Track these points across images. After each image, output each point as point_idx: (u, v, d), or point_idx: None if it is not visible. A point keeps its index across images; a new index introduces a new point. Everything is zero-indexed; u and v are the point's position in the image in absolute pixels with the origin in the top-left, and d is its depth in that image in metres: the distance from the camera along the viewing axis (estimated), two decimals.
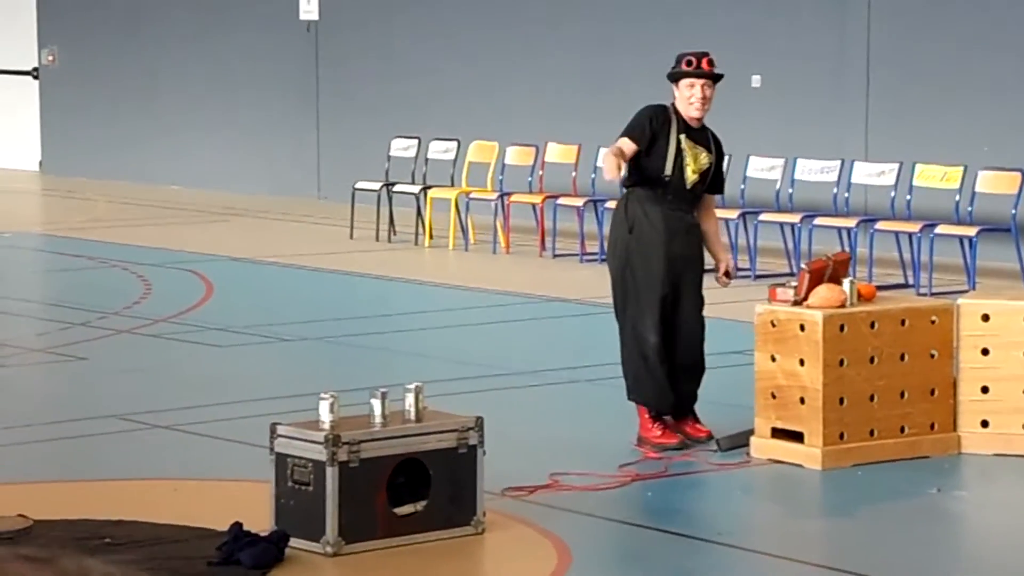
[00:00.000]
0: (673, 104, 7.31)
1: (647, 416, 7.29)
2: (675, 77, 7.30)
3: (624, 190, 7.39)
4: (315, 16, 16.94)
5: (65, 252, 13.65)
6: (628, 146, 7.17)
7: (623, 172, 7.13)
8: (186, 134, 18.00)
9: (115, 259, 13.05)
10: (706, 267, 7.48)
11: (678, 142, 7.23)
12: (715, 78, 7.28)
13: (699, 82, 7.22)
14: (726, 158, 7.96)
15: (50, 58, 19.42)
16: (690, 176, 7.25)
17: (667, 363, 7.24)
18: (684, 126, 7.26)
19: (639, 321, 7.25)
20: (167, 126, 18.18)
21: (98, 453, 7.34)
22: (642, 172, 7.24)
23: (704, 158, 7.28)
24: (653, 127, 7.21)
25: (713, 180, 7.37)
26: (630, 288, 7.26)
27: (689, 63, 7.23)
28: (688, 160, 7.24)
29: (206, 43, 17.84)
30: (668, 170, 7.22)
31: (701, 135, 7.31)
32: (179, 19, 18.10)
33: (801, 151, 12.46)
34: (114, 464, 7.13)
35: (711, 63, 7.27)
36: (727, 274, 7.41)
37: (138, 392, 8.47)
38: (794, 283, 7.18)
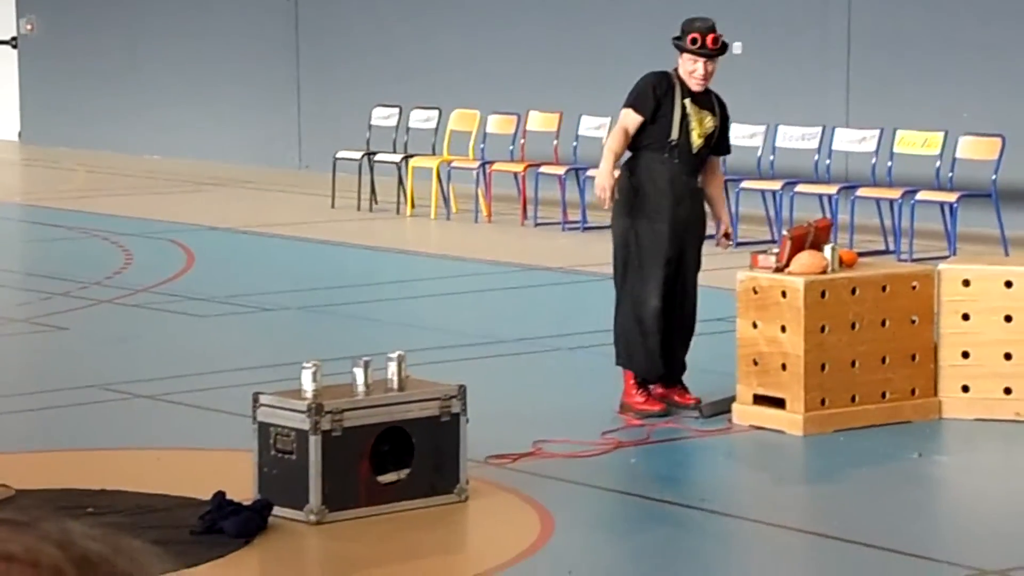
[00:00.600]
0: (675, 70, 7.33)
1: (632, 382, 7.31)
2: (680, 49, 7.30)
3: (629, 154, 7.39)
4: None
5: (45, 222, 13.60)
6: (632, 121, 7.21)
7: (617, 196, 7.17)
8: (166, 104, 17.93)
9: (96, 229, 13.02)
10: (707, 233, 7.50)
11: (683, 107, 7.26)
12: (721, 54, 7.29)
13: (702, 59, 7.23)
14: None
15: (29, 27, 19.31)
16: (696, 140, 7.28)
17: (664, 329, 7.25)
18: (688, 91, 7.28)
19: (640, 285, 7.27)
20: (147, 96, 18.10)
21: (80, 423, 7.33)
22: (648, 138, 7.26)
23: (709, 122, 7.31)
24: (656, 94, 7.24)
25: (718, 142, 7.40)
26: (633, 252, 7.29)
27: (694, 41, 7.22)
28: (693, 124, 7.27)
29: (186, 12, 17.75)
30: (674, 135, 7.24)
31: (706, 99, 7.33)
32: None
33: (782, 118, 12.46)
34: (96, 434, 7.13)
35: (716, 40, 7.24)
36: (727, 235, 7.44)
37: (120, 362, 8.45)
38: (776, 250, 7.19)
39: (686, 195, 7.26)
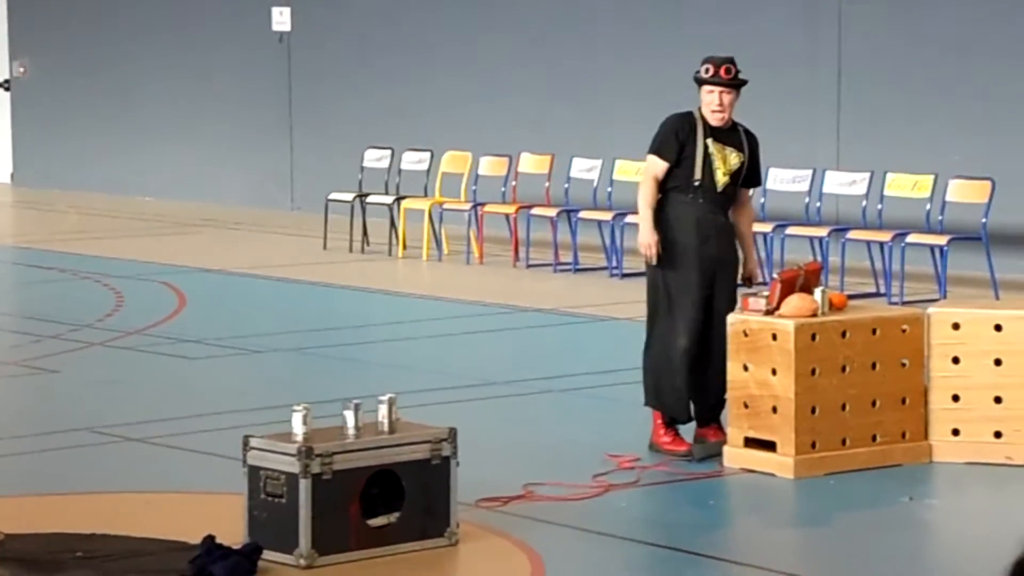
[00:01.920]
0: (699, 108, 7.39)
1: (660, 422, 7.35)
2: (698, 83, 7.38)
3: (658, 195, 7.45)
4: (287, 27, 16.93)
5: (37, 264, 13.61)
6: (659, 167, 7.31)
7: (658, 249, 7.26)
8: (158, 145, 17.96)
9: (87, 271, 13.02)
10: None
11: (705, 147, 7.32)
12: (736, 85, 7.35)
13: (717, 89, 7.31)
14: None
15: (22, 70, 19.36)
16: (720, 179, 7.33)
17: (695, 368, 7.27)
18: (711, 129, 7.35)
19: (670, 326, 7.31)
20: (139, 137, 18.14)
21: (70, 466, 7.32)
22: (673, 180, 7.34)
23: (734, 158, 7.37)
24: (679, 138, 7.33)
25: (747, 175, 7.44)
26: (662, 293, 7.35)
27: (707, 71, 7.32)
28: (717, 164, 7.33)
29: (178, 55, 17.81)
30: (698, 175, 7.30)
31: (730, 135, 7.40)
32: (151, 31, 18.07)
33: (773, 161, 12.50)
34: (86, 477, 7.11)
35: (729, 71, 7.33)
36: (750, 278, 7.47)
37: (110, 405, 8.44)
38: (766, 293, 7.20)
39: (712, 234, 7.32)
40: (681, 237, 7.31)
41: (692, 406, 7.37)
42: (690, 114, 7.41)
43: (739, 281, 7.50)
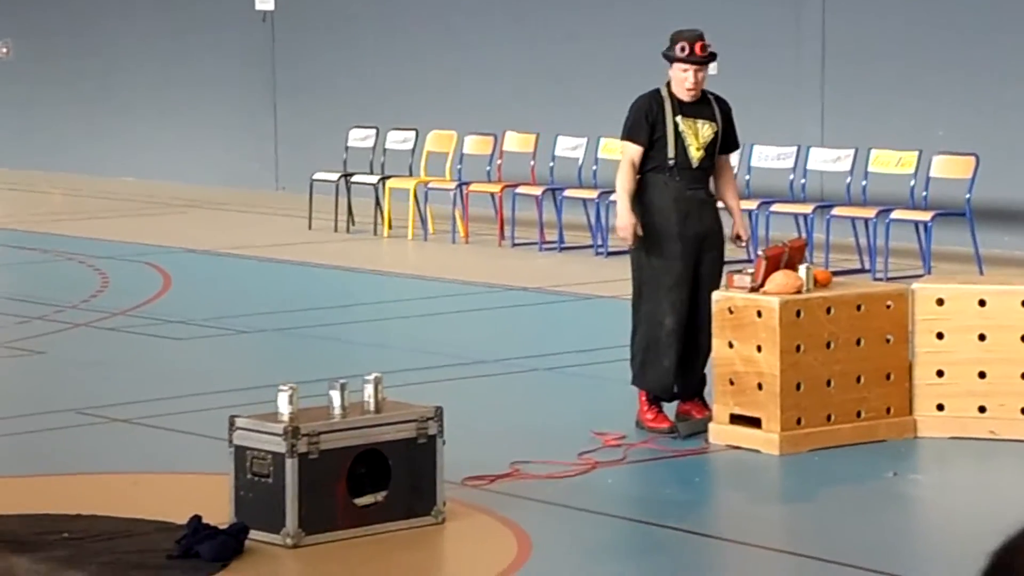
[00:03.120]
0: (668, 84, 7.38)
1: (644, 399, 7.38)
2: (669, 60, 7.35)
3: (636, 177, 7.44)
4: (270, 6, 16.88)
5: (21, 246, 13.57)
6: (634, 152, 7.30)
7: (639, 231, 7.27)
8: (142, 126, 17.91)
9: (72, 252, 12.99)
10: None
11: (675, 125, 7.31)
12: (710, 60, 7.36)
13: (692, 68, 7.30)
14: None
15: (4, 50, 19.28)
16: (694, 154, 7.34)
17: (681, 346, 7.29)
18: (680, 105, 7.34)
19: (654, 306, 7.33)
20: (122, 118, 18.09)
21: (56, 447, 7.31)
22: (649, 162, 7.35)
23: (707, 130, 7.36)
24: (649, 120, 7.32)
25: (724, 142, 7.44)
26: (646, 273, 7.36)
27: (683, 49, 7.31)
28: (689, 140, 7.33)
29: (161, 34, 17.75)
30: (671, 154, 7.31)
31: (700, 108, 7.39)
32: (134, 10, 18.00)
33: (757, 138, 12.51)
34: (72, 458, 7.11)
35: (704, 48, 7.34)
36: (738, 236, 7.47)
37: (96, 386, 8.44)
38: (751, 270, 7.21)
39: (693, 209, 7.32)
40: (661, 218, 7.31)
41: (678, 385, 7.39)
42: (657, 92, 7.39)
43: (730, 242, 7.50)
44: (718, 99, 7.46)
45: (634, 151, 7.34)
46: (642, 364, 7.38)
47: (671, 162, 7.31)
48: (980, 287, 7.49)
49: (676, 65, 7.33)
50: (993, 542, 1.68)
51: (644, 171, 7.38)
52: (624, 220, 7.28)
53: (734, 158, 12.52)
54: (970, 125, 12.37)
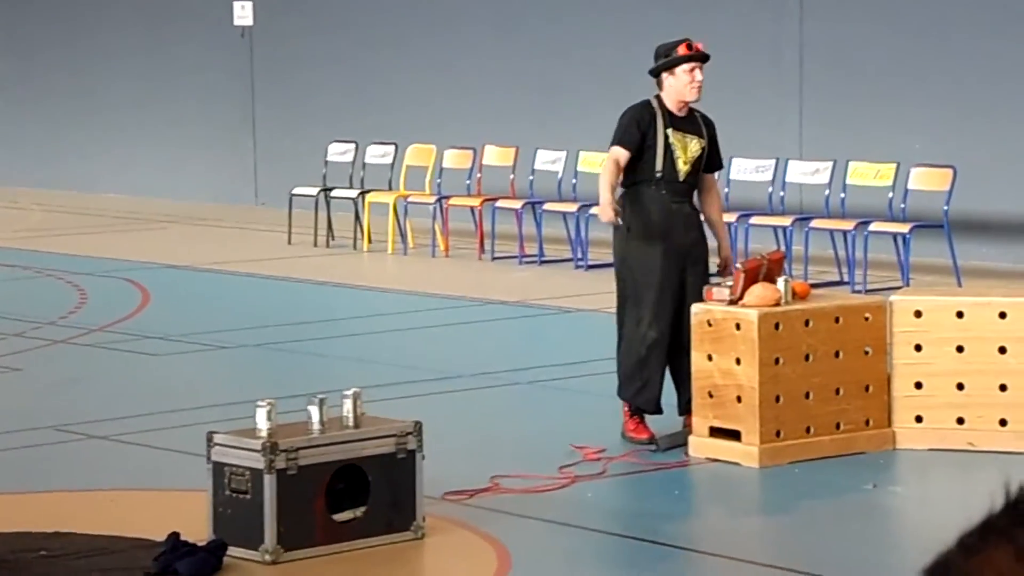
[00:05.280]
0: (658, 97, 7.38)
1: (627, 410, 7.39)
2: (672, 64, 7.34)
3: (621, 191, 7.44)
4: (249, 22, 16.87)
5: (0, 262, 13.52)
6: (621, 155, 7.29)
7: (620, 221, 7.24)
8: (122, 142, 17.88)
9: (50, 268, 12.95)
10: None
11: (666, 137, 7.32)
12: (708, 58, 7.41)
13: (699, 66, 7.31)
14: None
15: None
16: (682, 168, 7.35)
17: (666, 358, 7.29)
18: (670, 118, 7.35)
19: (638, 319, 7.32)
20: (102, 134, 18.05)
21: (34, 465, 7.28)
22: (637, 173, 7.34)
23: (695, 145, 7.37)
24: (641, 128, 7.32)
25: (709, 159, 7.45)
26: (629, 286, 7.36)
27: (689, 47, 7.31)
28: (678, 153, 7.34)
29: (141, 50, 17.73)
30: (659, 166, 7.31)
31: (689, 122, 7.40)
32: (115, 27, 17.98)
33: (736, 150, 12.54)
34: (50, 475, 7.08)
35: (699, 46, 7.37)
36: (724, 266, 7.47)
37: (74, 403, 8.40)
38: (729, 282, 7.22)
39: (679, 223, 7.33)
40: (646, 230, 7.32)
41: (673, 396, 7.36)
42: (648, 103, 7.42)
43: (715, 269, 7.51)
44: (704, 117, 7.49)
45: (621, 153, 7.33)
46: (626, 377, 7.39)
47: (658, 174, 7.32)
48: (958, 299, 7.51)
49: (681, 69, 7.31)
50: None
51: (630, 183, 7.38)
52: (605, 208, 7.21)
53: None
54: (947, 137, 12.41)
